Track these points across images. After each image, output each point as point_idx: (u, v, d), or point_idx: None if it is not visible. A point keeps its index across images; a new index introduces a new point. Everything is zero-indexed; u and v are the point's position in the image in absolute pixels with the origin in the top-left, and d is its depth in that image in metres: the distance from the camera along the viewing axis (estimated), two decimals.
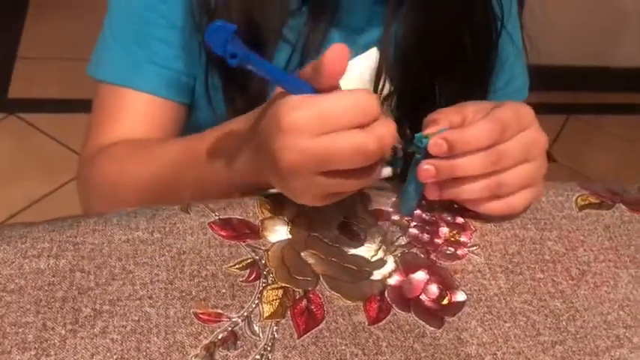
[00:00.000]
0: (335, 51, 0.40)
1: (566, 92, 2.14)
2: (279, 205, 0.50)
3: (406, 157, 0.47)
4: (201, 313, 0.41)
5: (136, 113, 0.62)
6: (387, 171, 0.45)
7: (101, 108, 0.64)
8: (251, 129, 0.47)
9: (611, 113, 2.20)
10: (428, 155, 0.47)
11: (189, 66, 0.62)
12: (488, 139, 0.46)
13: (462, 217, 0.51)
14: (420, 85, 0.65)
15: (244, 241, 0.46)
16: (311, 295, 0.44)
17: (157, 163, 0.57)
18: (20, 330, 0.39)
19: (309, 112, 0.41)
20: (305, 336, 0.41)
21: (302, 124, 0.40)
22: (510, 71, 0.72)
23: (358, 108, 0.41)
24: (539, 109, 0.50)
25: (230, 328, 0.41)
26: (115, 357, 0.38)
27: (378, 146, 0.41)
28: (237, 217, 0.48)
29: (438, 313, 0.44)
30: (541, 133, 0.49)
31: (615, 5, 2.04)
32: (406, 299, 0.44)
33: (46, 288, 0.42)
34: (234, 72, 0.50)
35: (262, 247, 0.46)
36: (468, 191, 0.48)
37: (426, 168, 0.47)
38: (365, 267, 0.46)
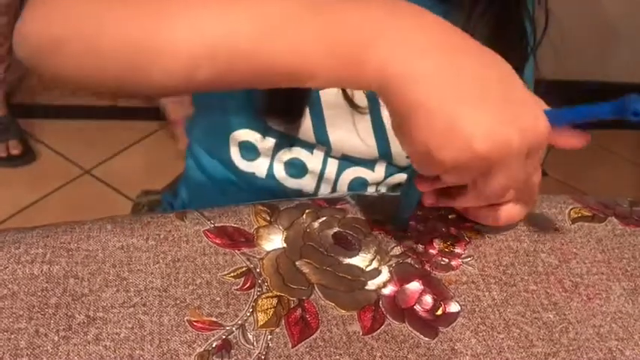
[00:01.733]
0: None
1: (557, 107, 2.15)
2: (274, 213, 0.50)
3: None
4: (196, 321, 0.41)
5: None
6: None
7: None
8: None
9: (603, 128, 2.21)
10: None
11: None
12: None
13: (457, 228, 0.51)
14: None
15: (239, 250, 0.46)
16: (305, 304, 0.44)
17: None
18: (12, 336, 0.39)
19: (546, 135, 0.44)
20: (299, 345, 0.41)
21: (534, 123, 0.43)
22: None
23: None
24: None
25: (224, 337, 0.41)
26: None
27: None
28: (232, 225, 0.48)
29: (432, 324, 0.44)
30: None
31: (606, 21, 2.06)
32: (400, 309, 0.45)
33: (40, 294, 0.41)
34: None
35: (257, 256, 0.46)
36: (464, 199, 0.48)
37: (423, 177, 0.47)
38: (360, 277, 0.46)
